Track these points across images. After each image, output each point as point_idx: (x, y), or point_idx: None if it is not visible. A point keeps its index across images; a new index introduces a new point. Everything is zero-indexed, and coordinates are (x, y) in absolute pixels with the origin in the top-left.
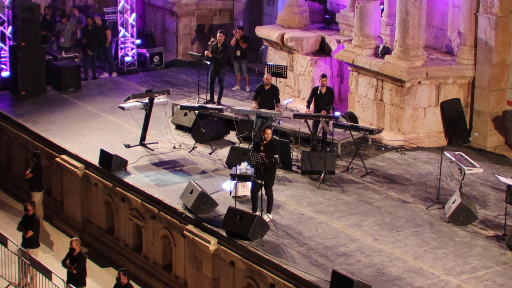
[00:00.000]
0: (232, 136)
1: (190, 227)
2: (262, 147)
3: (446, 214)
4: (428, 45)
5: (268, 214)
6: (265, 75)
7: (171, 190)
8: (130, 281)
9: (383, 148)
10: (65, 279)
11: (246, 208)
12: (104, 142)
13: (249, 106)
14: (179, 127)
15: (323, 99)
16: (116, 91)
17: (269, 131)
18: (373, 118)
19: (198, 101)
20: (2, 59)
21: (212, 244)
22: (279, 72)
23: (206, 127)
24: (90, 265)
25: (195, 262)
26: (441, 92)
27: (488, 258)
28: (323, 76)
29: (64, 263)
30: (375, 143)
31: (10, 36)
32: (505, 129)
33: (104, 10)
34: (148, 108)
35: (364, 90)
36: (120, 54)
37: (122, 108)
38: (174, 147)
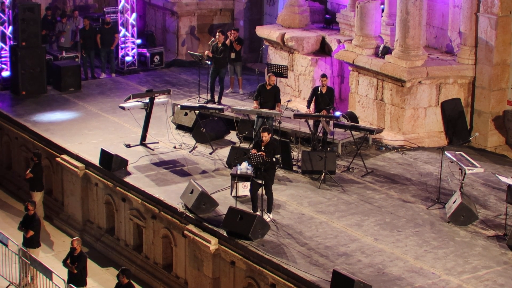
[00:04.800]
0: (232, 136)
1: (190, 227)
2: (262, 147)
3: (447, 214)
4: (429, 45)
5: (268, 214)
6: (268, 75)
7: (171, 190)
8: (131, 281)
9: (384, 148)
10: (66, 279)
11: (247, 208)
12: (104, 142)
13: (250, 106)
14: (180, 127)
15: (324, 99)
16: (117, 91)
17: (265, 134)
18: (373, 118)
19: (199, 101)
20: (3, 59)
21: (213, 244)
22: (280, 72)
23: (207, 127)
24: (91, 265)
25: (195, 262)
26: (441, 92)
27: (488, 258)
28: (323, 76)
29: (65, 263)
30: (376, 143)
31: (10, 36)
32: (506, 129)
33: (104, 10)
34: (149, 108)
35: (364, 90)
36: (120, 54)
37: (123, 108)
38: (175, 147)
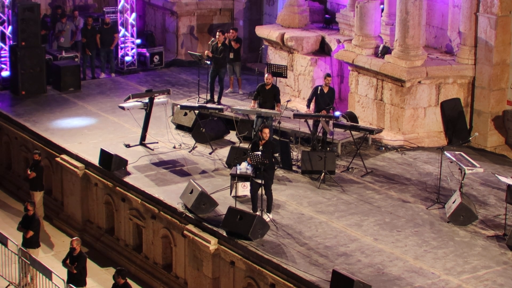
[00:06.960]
0: (232, 136)
1: (190, 227)
2: (260, 147)
3: (446, 214)
4: (428, 44)
5: (268, 213)
6: (266, 75)
7: (171, 190)
8: (128, 280)
9: (383, 148)
10: (66, 279)
11: (246, 208)
12: (104, 141)
13: (249, 105)
14: (179, 126)
15: (324, 99)
16: (116, 91)
17: (266, 131)
18: (373, 118)
19: (198, 100)
20: (2, 59)
21: (212, 244)
22: (279, 72)
23: (206, 127)
24: (90, 265)
25: (195, 262)
26: (441, 91)
27: (488, 258)
28: (328, 75)
29: (64, 263)
30: (375, 143)
31: (10, 36)
32: (505, 129)
33: (104, 9)
34: (148, 108)
35: (364, 90)
36: (120, 54)
37: (122, 108)
38: (174, 147)
